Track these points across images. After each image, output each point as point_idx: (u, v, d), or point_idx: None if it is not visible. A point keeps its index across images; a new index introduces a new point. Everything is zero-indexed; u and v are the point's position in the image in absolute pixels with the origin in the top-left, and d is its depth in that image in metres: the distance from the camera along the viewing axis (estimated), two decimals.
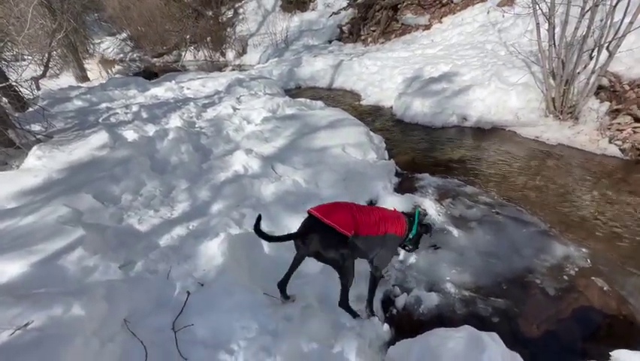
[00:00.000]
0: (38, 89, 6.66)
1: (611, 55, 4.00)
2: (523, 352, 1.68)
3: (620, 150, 3.98)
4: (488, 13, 9.11)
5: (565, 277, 2.44)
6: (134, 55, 19.37)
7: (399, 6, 11.53)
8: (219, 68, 14.36)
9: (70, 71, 10.47)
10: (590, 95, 4.35)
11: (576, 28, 4.20)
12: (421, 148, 4.98)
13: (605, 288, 2.33)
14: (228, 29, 16.84)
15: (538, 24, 4.43)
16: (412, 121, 5.83)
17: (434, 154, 4.74)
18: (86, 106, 5.87)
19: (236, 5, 18.24)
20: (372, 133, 4.56)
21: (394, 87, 7.12)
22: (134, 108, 4.87)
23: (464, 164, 4.35)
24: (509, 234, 2.91)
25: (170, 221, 2.55)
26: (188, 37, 16.16)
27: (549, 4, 4.30)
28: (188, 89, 7.15)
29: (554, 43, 4.50)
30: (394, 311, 2.30)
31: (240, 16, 17.31)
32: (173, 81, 7.33)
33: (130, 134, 3.74)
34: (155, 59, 17.97)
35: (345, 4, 14.74)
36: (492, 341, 1.53)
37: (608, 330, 2.09)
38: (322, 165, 3.36)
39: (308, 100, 5.92)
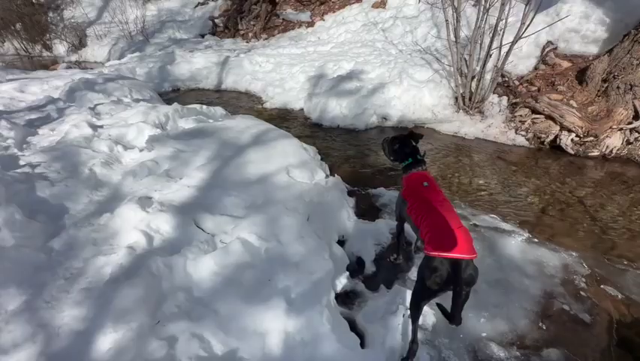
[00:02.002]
0: None
1: (508, 53, 4.30)
2: None
3: (526, 139, 4.36)
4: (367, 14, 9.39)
5: (582, 293, 2.23)
6: None
7: (277, 0, 10.82)
8: (45, 65, 10.51)
9: None
10: (491, 90, 4.65)
11: (478, 27, 4.38)
12: (353, 156, 4.42)
13: (617, 296, 2.20)
14: (51, 14, 12.55)
15: (447, 21, 4.45)
16: (331, 125, 5.23)
17: (370, 161, 4.26)
18: None
19: None
20: (305, 145, 3.67)
21: (299, 87, 6.39)
22: None
23: None
24: (502, 250, 2.59)
25: None
26: None
27: (456, 3, 4.33)
28: None
29: (456, 41, 4.63)
30: None
31: None
32: None
33: None
34: None
35: None
36: None
37: None
38: (273, 204, 2.28)
39: (204, 106, 4.52)
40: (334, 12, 10.21)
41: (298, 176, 2.81)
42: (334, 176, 3.41)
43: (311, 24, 10.23)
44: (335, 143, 4.76)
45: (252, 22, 10.70)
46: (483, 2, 4.06)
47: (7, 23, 11.65)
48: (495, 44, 4.37)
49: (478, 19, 4.18)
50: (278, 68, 7.23)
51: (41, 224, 1.88)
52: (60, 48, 11.86)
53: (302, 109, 5.92)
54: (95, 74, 6.25)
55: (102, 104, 4.28)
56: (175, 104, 3.92)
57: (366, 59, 6.70)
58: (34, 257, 1.67)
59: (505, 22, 4.10)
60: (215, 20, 11.52)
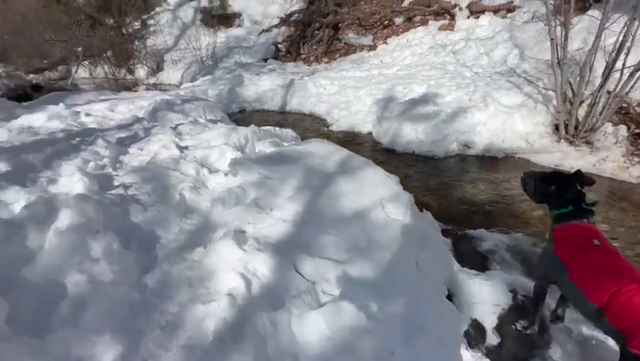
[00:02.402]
0: None
1: (633, 75, 3.62)
2: None
3: None
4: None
5: None
6: None
7: (340, 25, 10.99)
8: (127, 87, 11.72)
9: None
10: (606, 118, 3.96)
11: (595, 46, 3.78)
12: (435, 187, 3.97)
13: None
14: (137, 42, 14.09)
15: (552, 39, 3.92)
16: (405, 150, 4.85)
17: (457, 194, 3.77)
18: None
19: (145, 16, 15.63)
20: (388, 174, 3.32)
21: (366, 110, 6.16)
22: None
23: (506, 206, 3.45)
24: None
25: None
26: (80, 49, 12.87)
27: (564, 21, 3.81)
28: (87, 115, 4.89)
29: (559, 62, 4.05)
30: None
31: (151, 28, 14.75)
32: (62, 104, 4.95)
33: None
34: (31, 76, 13.98)
35: (275, 21, 13.80)
36: None
37: None
38: (377, 247, 1.95)
39: (277, 128, 4.43)
40: (398, 35, 10.05)
41: (393, 212, 2.45)
42: (422, 211, 3.00)
43: (373, 47, 10.16)
44: (412, 171, 4.36)
45: (314, 47, 10.94)
46: (602, 18, 3.50)
47: (101, 51, 13.26)
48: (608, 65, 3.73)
49: (596, 36, 3.61)
50: (343, 91, 7.11)
51: (135, 255, 1.74)
52: (141, 72, 13.15)
53: (370, 133, 5.65)
54: (173, 95, 6.64)
55: (182, 124, 4.39)
56: (252, 127, 3.86)
57: (439, 81, 6.30)
58: (129, 296, 1.50)
59: (633, 39, 3.47)
60: (279, 45, 12.00)
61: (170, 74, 12.30)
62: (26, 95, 7.92)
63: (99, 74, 13.89)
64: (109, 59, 13.42)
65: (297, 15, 12.71)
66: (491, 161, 4.38)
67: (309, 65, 10.44)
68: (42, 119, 4.33)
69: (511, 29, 7.41)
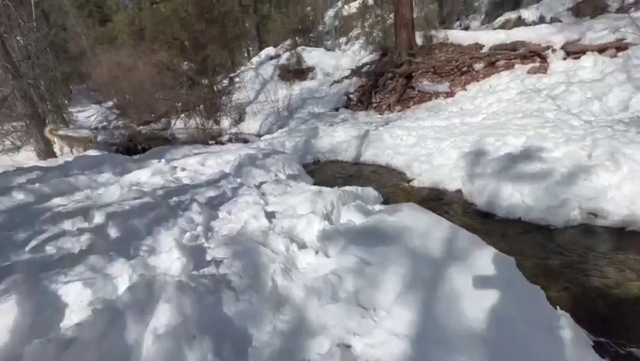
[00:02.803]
0: None
1: None
2: None
3: None
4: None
5: None
6: (119, 122, 18.06)
7: (413, 74, 10.90)
8: (213, 136, 13.18)
9: (33, 145, 8.61)
10: None
11: None
12: (559, 269, 3.17)
13: None
14: (224, 97, 15.99)
15: None
16: (508, 216, 4.14)
17: (595, 283, 2.93)
18: (28, 202, 3.86)
19: (232, 75, 17.90)
20: (502, 254, 2.72)
21: (451, 164, 5.62)
22: (98, 218, 2.89)
23: None
24: None
25: None
26: (179, 104, 15.05)
27: None
28: (182, 170, 5.35)
29: None
30: None
31: (237, 85, 16.70)
32: (163, 160, 5.54)
33: (71, 302, 1.74)
34: (141, 127, 16.62)
35: (346, 73, 14.45)
36: None
37: None
38: None
39: (359, 188, 4.20)
40: (478, 81, 9.50)
41: (526, 318, 1.88)
42: (556, 309, 2.32)
43: (450, 94, 9.73)
44: (520, 244, 3.63)
45: (386, 95, 10.95)
46: None
47: (195, 105, 15.32)
48: None
49: None
50: (422, 142, 6.72)
51: None
52: (225, 122, 14.70)
53: (459, 190, 5.06)
54: (254, 148, 7.03)
55: (265, 182, 4.45)
56: (336, 190, 3.68)
57: (539, 132, 5.53)
58: None
59: None
60: (350, 95, 12.35)
61: (250, 125, 13.45)
62: (135, 147, 9.21)
63: (191, 124, 15.93)
64: (201, 112, 15.40)
65: (368, 66, 13.13)
66: (635, 237, 3.43)
67: (380, 114, 10.39)
68: (147, 175, 4.80)
69: (627, 70, 6.38)
